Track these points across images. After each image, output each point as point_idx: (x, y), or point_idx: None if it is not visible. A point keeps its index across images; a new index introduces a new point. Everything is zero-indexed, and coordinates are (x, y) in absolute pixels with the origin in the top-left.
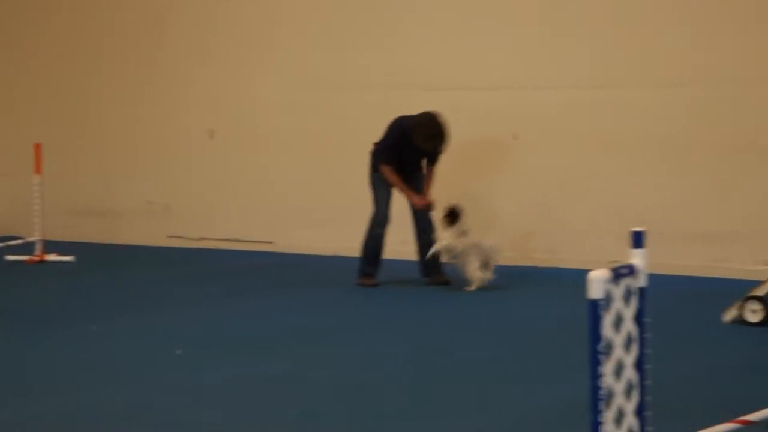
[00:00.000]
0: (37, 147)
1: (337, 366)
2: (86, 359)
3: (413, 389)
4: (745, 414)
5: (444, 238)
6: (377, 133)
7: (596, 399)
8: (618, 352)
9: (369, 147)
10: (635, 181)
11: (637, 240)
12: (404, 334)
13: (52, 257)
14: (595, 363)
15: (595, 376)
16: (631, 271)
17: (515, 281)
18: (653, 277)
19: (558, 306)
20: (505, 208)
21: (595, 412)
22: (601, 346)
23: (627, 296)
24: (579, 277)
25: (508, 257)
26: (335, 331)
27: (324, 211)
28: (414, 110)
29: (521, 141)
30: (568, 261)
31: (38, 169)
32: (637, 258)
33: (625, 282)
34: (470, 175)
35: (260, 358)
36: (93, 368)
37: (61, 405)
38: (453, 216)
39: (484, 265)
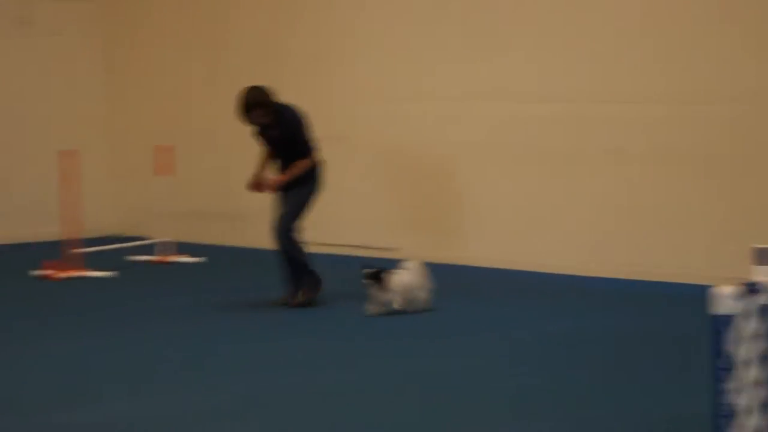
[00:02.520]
0: (167, 149)
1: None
2: (191, 357)
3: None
4: None
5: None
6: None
7: (719, 416)
8: (742, 369)
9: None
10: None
11: (763, 256)
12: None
13: (184, 258)
14: (718, 379)
15: (719, 393)
16: (756, 288)
17: (636, 296)
18: None
19: (680, 321)
20: (594, 220)
21: (719, 429)
22: (724, 363)
23: (753, 313)
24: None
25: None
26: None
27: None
28: (484, 120)
29: (623, 153)
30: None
31: (166, 171)
32: (762, 275)
33: (749, 299)
34: (555, 188)
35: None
36: (195, 366)
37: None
38: (376, 278)
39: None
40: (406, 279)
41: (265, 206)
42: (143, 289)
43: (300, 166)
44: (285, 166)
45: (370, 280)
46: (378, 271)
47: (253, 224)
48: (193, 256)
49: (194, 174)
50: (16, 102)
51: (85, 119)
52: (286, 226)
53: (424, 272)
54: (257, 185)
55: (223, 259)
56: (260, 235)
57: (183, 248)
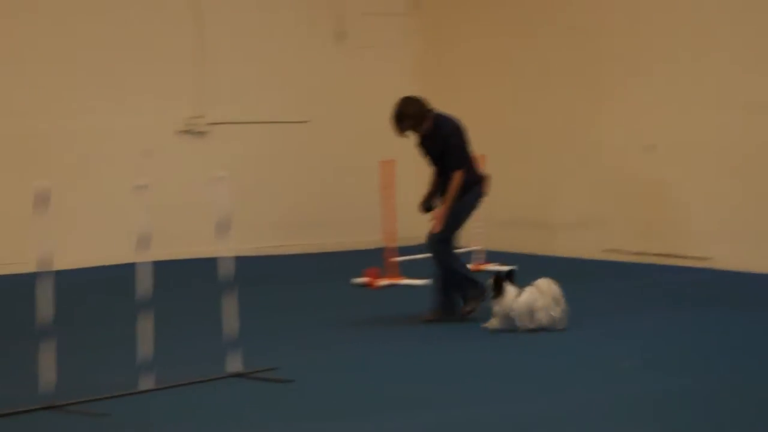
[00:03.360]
0: (482, 158)
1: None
2: (522, 367)
3: None
4: None
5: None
6: None
7: None
8: None
9: None
10: None
11: None
12: None
13: (493, 267)
14: None
15: None
16: None
17: None
18: None
19: None
20: None
21: None
22: None
23: None
24: None
25: None
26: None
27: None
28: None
29: None
30: None
31: None
32: None
33: None
34: None
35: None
36: (529, 376)
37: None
38: (497, 287)
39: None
40: (524, 297)
41: (577, 216)
42: None
43: (453, 187)
44: (445, 179)
45: (492, 294)
46: (498, 285)
47: (564, 233)
48: (503, 264)
49: (506, 183)
50: (337, 114)
51: None
52: (439, 236)
53: (553, 291)
54: (428, 208)
55: (531, 268)
56: (571, 245)
57: (494, 257)
